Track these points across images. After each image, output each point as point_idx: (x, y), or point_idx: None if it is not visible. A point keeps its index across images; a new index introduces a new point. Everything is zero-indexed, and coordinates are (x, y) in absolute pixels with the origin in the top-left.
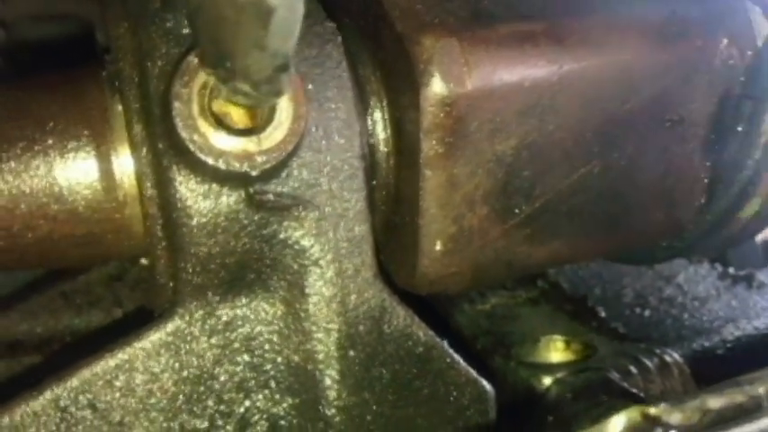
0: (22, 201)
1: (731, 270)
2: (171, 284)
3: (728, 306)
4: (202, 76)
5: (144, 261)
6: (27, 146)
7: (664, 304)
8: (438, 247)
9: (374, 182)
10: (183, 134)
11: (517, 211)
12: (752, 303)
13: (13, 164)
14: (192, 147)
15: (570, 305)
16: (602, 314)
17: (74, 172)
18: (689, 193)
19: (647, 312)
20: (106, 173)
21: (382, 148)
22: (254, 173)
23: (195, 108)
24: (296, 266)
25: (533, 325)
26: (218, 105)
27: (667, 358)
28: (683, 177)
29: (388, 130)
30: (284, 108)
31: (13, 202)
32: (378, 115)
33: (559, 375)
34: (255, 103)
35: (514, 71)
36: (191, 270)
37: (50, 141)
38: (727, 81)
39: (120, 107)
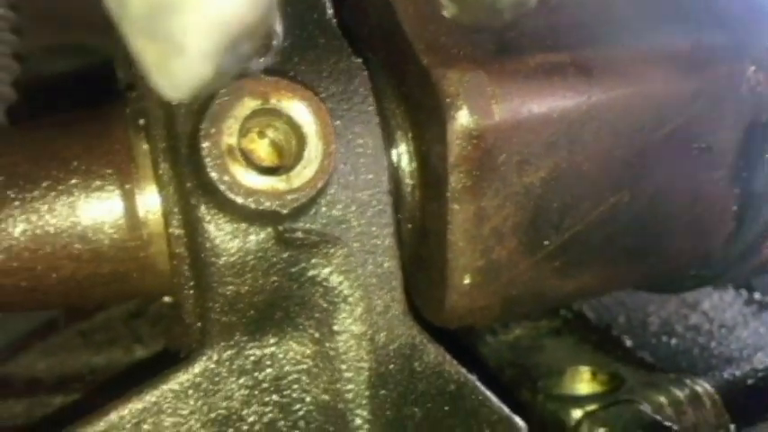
0: (46, 241)
1: (757, 296)
2: (198, 324)
3: (756, 333)
4: (231, 115)
5: (167, 299)
6: (50, 185)
7: (690, 332)
8: (466, 281)
9: (400, 215)
10: (213, 174)
11: (546, 243)
12: None
13: (36, 204)
14: (221, 186)
15: (595, 335)
16: (628, 343)
17: (98, 211)
18: (717, 222)
19: (673, 341)
20: (130, 211)
21: (408, 181)
22: (284, 211)
23: (224, 147)
24: (325, 304)
25: (558, 356)
26: (247, 143)
27: (698, 389)
28: (711, 206)
29: (414, 164)
30: (313, 145)
31: (36, 243)
32: (403, 148)
33: (588, 408)
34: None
35: (542, 103)
36: (219, 310)
37: (74, 181)
38: (754, 108)
39: (145, 145)
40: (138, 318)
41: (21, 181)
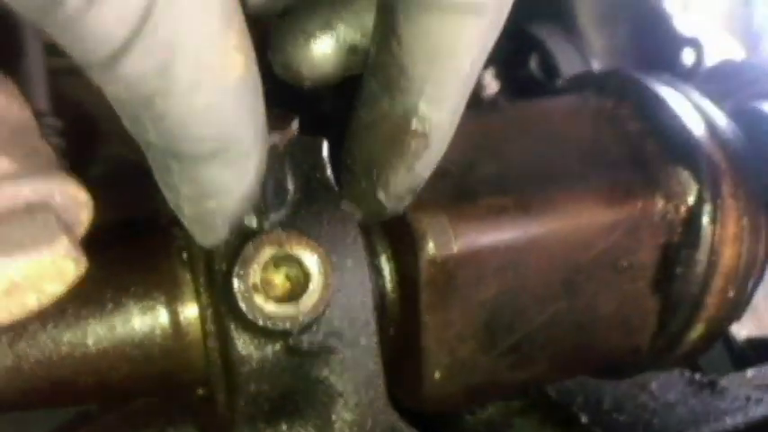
0: (110, 348)
1: (697, 376)
2: (228, 415)
3: (693, 411)
4: (256, 261)
5: (201, 391)
6: (114, 307)
7: (638, 410)
8: (437, 375)
9: (384, 322)
10: (243, 306)
11: (500, 343)
12: (713, 408)
13: (104, 320)
14: (248, 314)
15: (557, 412)
16: (584, 419)
17: (150, 325)
18: (643, 322)
19: (622, 418)
20: (175, 324)
21: (391, 295)
22: (293, 330)
23: (250, 285)
24: (324, 398)
25: None
26: (267, 273)
27: None
28: (636, 310)
29: (395, 282)
30: (316, 281)
31: (104, 350)
32: (387, 270)
33: None
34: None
35: (491, 237)
36: (244, 404)
37: (132, 302)
38: (667, 233)
39: (188, 275)
40: (170, 402)
41: (91, 304)
